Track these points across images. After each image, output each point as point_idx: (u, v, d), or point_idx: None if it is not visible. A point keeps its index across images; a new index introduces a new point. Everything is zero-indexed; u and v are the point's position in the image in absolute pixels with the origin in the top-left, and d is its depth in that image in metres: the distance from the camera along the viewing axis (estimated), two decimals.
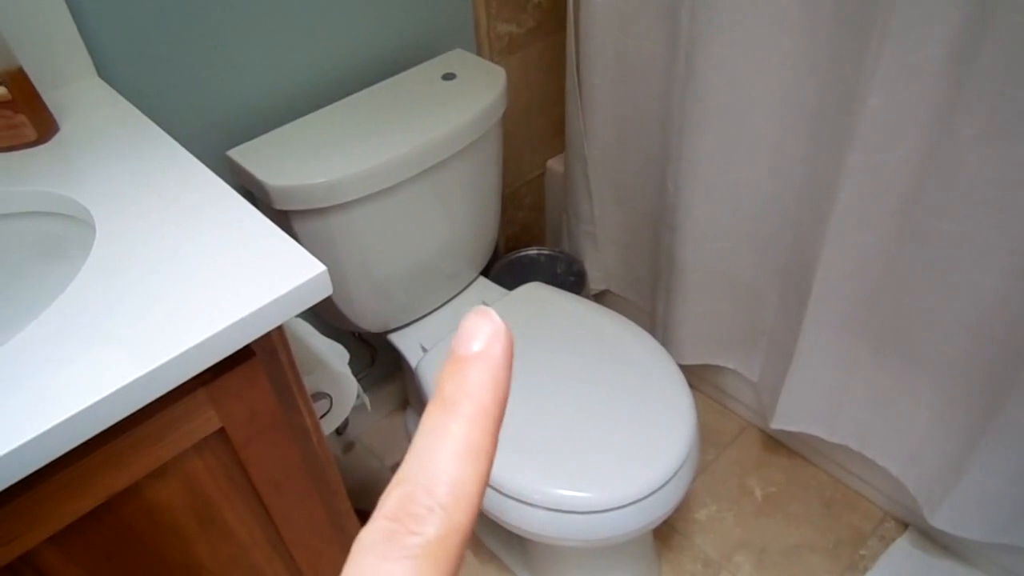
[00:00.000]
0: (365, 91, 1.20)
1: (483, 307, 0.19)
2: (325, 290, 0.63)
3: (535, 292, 1.34)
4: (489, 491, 1.06)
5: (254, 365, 0.64)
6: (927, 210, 1.01)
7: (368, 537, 0.16)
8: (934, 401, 1.17)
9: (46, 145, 0.81)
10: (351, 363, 1.03)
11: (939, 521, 1.23)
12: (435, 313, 1.38)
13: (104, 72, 0.94)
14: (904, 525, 1.42)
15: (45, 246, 0.76)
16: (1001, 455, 1.08)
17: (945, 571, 1.34)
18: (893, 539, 1.41)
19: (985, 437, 1.08)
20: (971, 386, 1.10)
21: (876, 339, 1.19)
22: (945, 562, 1.35)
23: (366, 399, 1.10)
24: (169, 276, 0.62)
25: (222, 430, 0.64)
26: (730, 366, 1.52)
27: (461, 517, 0.17)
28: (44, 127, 0.81)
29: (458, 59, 1.28)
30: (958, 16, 0.85)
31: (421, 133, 1.11)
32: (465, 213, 1.28)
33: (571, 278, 1.67)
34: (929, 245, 1.04)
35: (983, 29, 0.84)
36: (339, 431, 1.65)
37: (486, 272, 1.46)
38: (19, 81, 0.78)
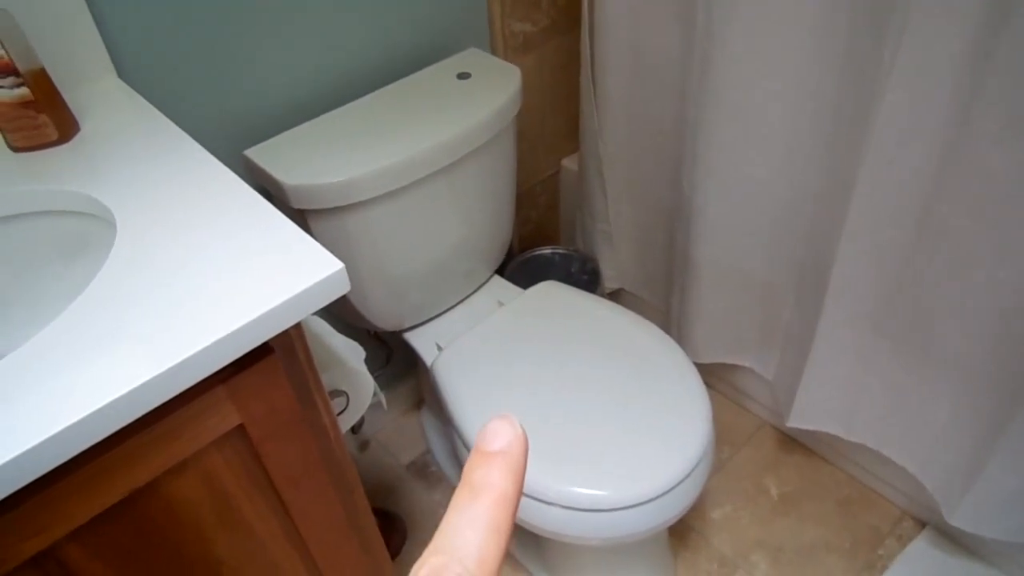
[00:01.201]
0: (380, 91, 1.21)
1: (505, 413, 0.22)
2: (343, 287, 0.63)
3: (550, 291, 1.34)
4: None
5: (273, 362, 0.64)
6: (946, 206, 1.00)
7: None
8: (953, 399, 1.16)
9: (67, 145, 0.82)
10: (367, 361, 1.03)
11: (958, 520, 1.22)
12: (450, 312, 1.38)
13: (123, 72, 0.95)
14: (922, 524, 1.41)
15: (67, 244, 0.77)
16: (1020, 453, 1.07)
17: (964, 570, 1.33)
18: (911, 538, 1.39)
19: (1004, 435, 1.08)
20: (990, 383, 1.09)
21: (894, 336, 1.19)
22: (964, 561, 1.34)
23: (382, 397, 1.10)
24: (189, 274, 0.63)
25: (241, 427, 0.65)
26: (746, 364, 1.51)
27: None
28: (65, 127, 0.82)
29: (473, 58, 1.28)
30: (977, 10, 0.85)
31: (436, 132, 1.11)
32: (480, 212, 1.28)
33: (585, 277, 1.67)
34: (948, 241, 1.03)
35: (1003, 22, 0.83)
36: (354, 430, 1.65)
37: (501, 271, 1.46)
38: (41, 81, 0.79)
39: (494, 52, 1.40)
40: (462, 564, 0.19)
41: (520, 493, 0.21)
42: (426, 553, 0.20)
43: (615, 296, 1.73)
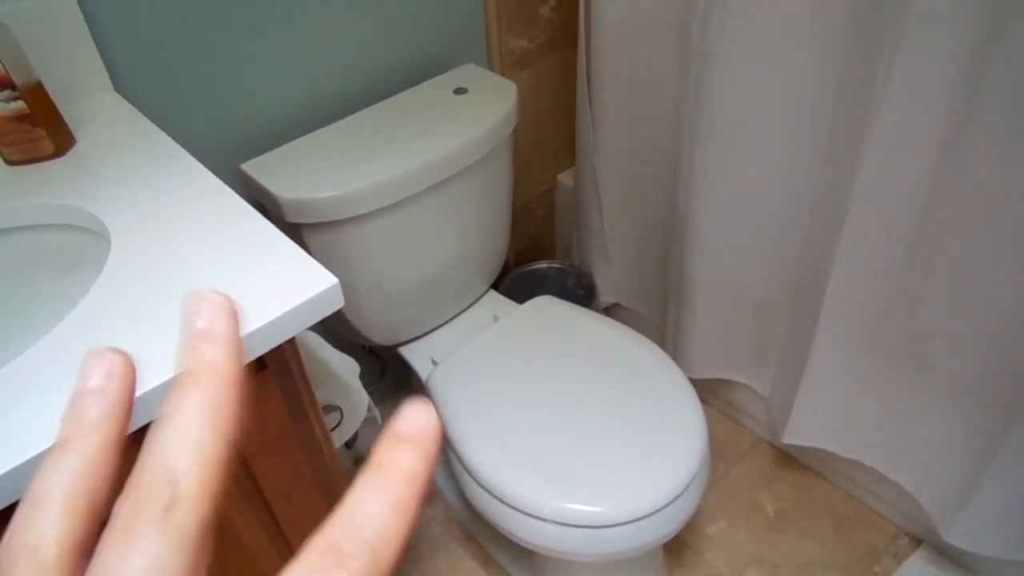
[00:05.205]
0: (377, 105, 1.21)
1: (423, 399, 0.20)
2: (337, 302, 0.63)
3: (545, 305, 1.34)
4: (499, 504, 1.06)
5: (266, 377, 0.64)
6: (940, 225, 1.01)
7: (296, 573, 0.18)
8: (948, 415, 1.16)
9: (63, 158, 0.82)
10: (362, 376, 1.03)
11: (954, 537, 1.21)
12: (446, 326, 1.38)
13: (120, 86, 0.95)
14: (918, 541, 1.41)
15: (61, 258, 0.77)
16: (1016, 470, 1.07)
17: None
18: (907, 556, 1.39)
19: (1000, 451, 1.07)
20: (985, 400, 1.09)
21: (889, 353, 1.19)
22: None
23: (377, 412, 1.10)
24: (183, 288, 0.62)
25: None
26: (741, 380, 1.51)
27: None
28: (62, 141, 0.82)
29: (470, 74, 1.29)
30: (971, 30, 0.85)
31: (432, 147, 1.11)
32: (476, 226, 1.28)
33: (581, 292, 1.67)
34: (942, 260, 1.03)
35: (996, 42, 0.84)
36: (349, 445, 1.65)
37: (496, 286, 1.46)
38: (38, 95, 0.79)
39: (491, 68, 1.41)
40: (364, 539, 0.18)
41: (430, 477, 0.20)
42: (326, 527, 0.18)
43: (611, 311, 1.73)
